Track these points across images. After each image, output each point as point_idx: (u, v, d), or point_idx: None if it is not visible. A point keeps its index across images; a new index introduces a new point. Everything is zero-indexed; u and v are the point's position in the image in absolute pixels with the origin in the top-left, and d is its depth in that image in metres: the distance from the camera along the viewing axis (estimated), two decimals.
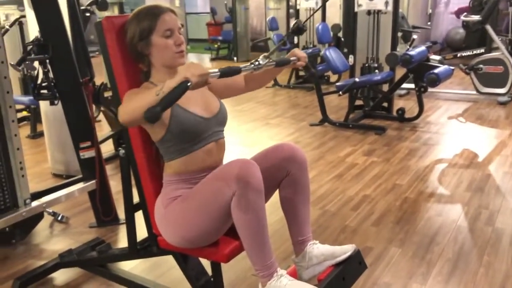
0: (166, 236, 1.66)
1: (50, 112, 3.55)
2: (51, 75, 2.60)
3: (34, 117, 4.82)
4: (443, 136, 4.61)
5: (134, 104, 1.43)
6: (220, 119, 1.69)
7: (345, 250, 1.63)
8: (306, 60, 1.77)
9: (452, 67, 4.71)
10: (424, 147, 4.27)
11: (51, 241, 2.78)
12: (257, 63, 1.62)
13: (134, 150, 1.71)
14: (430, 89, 6.14)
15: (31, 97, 4.78)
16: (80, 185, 2.78)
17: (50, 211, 2.94)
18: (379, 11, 5.17)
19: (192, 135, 1.60)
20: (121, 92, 1.67)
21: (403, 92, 6.38)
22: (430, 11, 9.63)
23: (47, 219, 2.95)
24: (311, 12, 7.77)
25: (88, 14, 4.55)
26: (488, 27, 6.06)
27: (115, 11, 6.76)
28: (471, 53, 7.87)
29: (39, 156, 4.24)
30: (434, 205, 3.09)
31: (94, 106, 3.58)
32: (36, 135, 4.83)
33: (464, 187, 3.35)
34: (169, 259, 1.84)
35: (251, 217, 1.44)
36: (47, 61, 2.55)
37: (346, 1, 8.46)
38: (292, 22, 8.94)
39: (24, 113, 5.29)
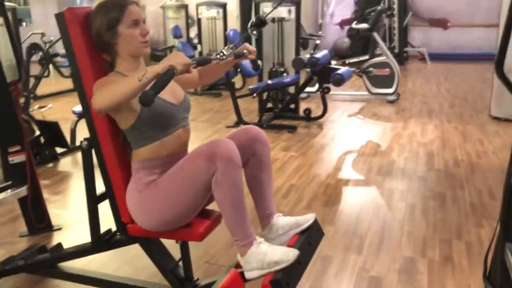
0: (141, 221, 1.70)
1: None
2: None
3: None
4: (347, 131, 5.06)
5: (114, 90, 1.48)
6: (186, 106, 1.79)
7: (308, 218, 1.81)
8: (255, 54, 1.96)
9: (352, 69, 5.21)
10: (333, 142, 4.67)
11: None
12: (221, 53, 1.77)
13: (100, 140, 1.73)
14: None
15: None
16: (9, 192, 2.64)
17: None
18: (282, 19, 5.53)
19: (163, 121, 1.67)
20: (86, 82, 1.69)
21: (304, 95, 6.84)
22: (320, 21, 10.38)
23: None
24: (213, 22, 8.00)
25: None
26: (375, 34, 6.76)
27: None
28: (357, 59, 8.70)
29: None
30: (353, 188, 3.44)
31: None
32: None
33: (375, 172, 3.75)
34: (122, 253, 1.87)
35: (233, 192, 1.55)
36: None
37: (243, 12, 8.88)
38: (192, 31, 9.12)
39: None
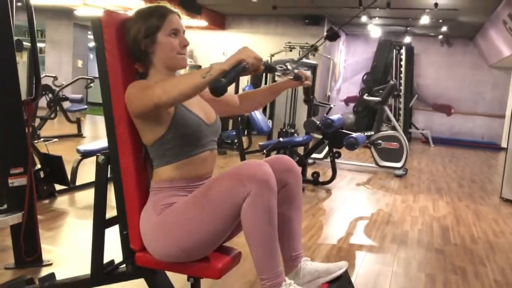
0: (154, 248, 1.50)
1: None
2: None
3: None
4: (357, 198, 4.89)
5: (176, 84, 1.36)
6: (216, 129, 1.65)
7: (340, 266, 1.61)
8: (310, 80, 1.85)
9: (364, 135, 5.14)
10: (342, 206, 4.48)
11: None
12: (285, 67, 1.67)
13: (119, 152, 1.57)
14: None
15: None
16: (3, 216, 2.42)
17: None
18: None
19: (193, 138, 1.53)
20: (113, 88, 1.56)
21: (310, 161, 6.73)
22: (329, 93, 10.54)
23: None
24: None
25: None
26: (386, 107, 6.78)
27: (24, 57, 6.36)
28: (362, 134, 8.70)
29: None
30: (367, 254, 3.21)
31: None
32: None
33: (389, 240, 3.54)
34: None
35: (265, 219, 1.37)
36: None
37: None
38: None
39: None
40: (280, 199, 1.64)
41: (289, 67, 1.69)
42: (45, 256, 2.65)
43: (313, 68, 5.50)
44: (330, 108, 5.27)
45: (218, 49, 10.82)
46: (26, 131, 2.46)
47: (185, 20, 9.29)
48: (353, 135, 4.68)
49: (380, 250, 3.32)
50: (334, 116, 4.91)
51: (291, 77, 1.76)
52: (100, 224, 1.64)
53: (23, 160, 2.46)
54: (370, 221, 4.05)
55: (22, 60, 6.40)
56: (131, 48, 1.56)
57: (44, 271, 2.53)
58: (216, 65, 1.34)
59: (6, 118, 2.41)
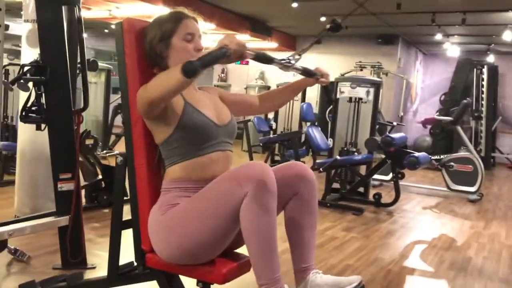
0: (160, 249, 1.51)
1: (27, 150, 3.39)
2: (43, 99, 2.52)
3: (4, 165, 4.60)
4: (419, 222, 4.61)
5: (160, 80, 1.40)
6: (229, 130, 1.64)
7: (352, 281, 1.50)
8: (329, 79, 1.78)
9: (430, 156, 4.86)
10: (402, 229, 4.24)
11: (8, 279, 2.50)
12: (287, 60, 1.62)
13: (134, 153, 1.61)
14: (403, 183, 6.30)
15: (5, 143, 4.63)
16: (51, 218, 2.57)
17: (12, 247, 2.68)
18: (360, 99, 5.40)
19: (201, 137, 1.53)
20: (131, 93, 1.61)
21: (376, 183, 6.47)
22: (401, 114, 10.17)
23: (5, 258, 2.68)
24: (291, 102, 8.09)
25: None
26: (459, 128, 6.38)
27: (102, 77, 6.84)
28: (438, 157, 8.24)
29: (4, 202, 3.97)
30: (419, 278, 3.00)
31: None
32: (2, 183, 4.56)
33: (447, 266, 3.28)
34: None
35: (263, 221, 1.33)
36: (42, 84, 2.48)
37: (323, 98, 8.94)
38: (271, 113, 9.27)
39: None
40: (292, 206, 1.59)
41: (291, 60, 1.63)
42: (92, 260, 2.77)
43: (376, 86, 5.33)
44: (393, 126, 5.05)
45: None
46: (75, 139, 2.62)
47: (256, 42, 9.51)
48: (414, 154, 4.44)
49: (434, 275, 3.09)
50: (396, 134, 4.70)
51: (299, 72, 1.70)
52: (117, 225, 1.69)
53: (71, 166, 2.61)
54: (429, 245, 3.79)
55: (100, 81, 6.88)
56: (148, 52, 1.61)
57: (88, 273, 2.65)
58: (202, 55, 1.35)
59: (58, 127, 2.58)
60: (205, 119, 1.55)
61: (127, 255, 1.79)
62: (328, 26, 1.76)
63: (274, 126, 7.89)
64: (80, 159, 4.03)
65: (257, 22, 9.14)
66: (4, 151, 4.57)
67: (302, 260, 1.56)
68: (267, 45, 9.96)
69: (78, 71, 4.99)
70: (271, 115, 9.07)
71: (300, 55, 1.65)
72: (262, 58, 1.52)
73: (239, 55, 1.37)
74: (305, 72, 1.73)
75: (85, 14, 7.48)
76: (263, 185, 1.33)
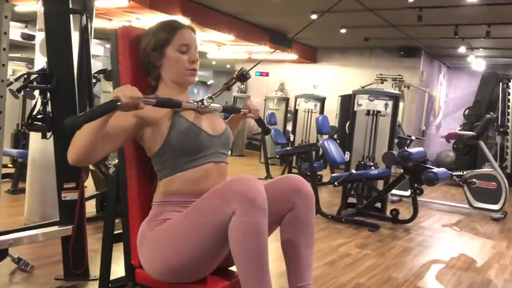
0: (147, 264, 1.44)
1: (38, 158, 3.40)
2: (49, 107, 2.51)
3: (18, 172, 4.63)
4: (438, 240, 4.44)
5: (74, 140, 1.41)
6: (224, 140, 1.57)
7: None
8: (258, 114, 1.75)
9: (450, 172, 4.70)
10: (419, 247, 4.09)
11: None
12: (200, 102, 1.55)
13: (126, 167, 1.56)
14: (423, 199, 6.12)
15: (20, 150, 4.67)
16: (55, 228, 2.54)
17: (15, 256, 2.66)
18: (378, 112, 5.28)
19: (192, 148, 1.47)
20: None
21: (395, 198, 6.31)
22: (423, 127, 9.95)
23: (9, 267, 2.66)
24: (309, 114, 8.01)
25: (94, 81, 4.62)
26: (481, 143, 6.18)
27: None
28: (461, 173, 8.00)
29: (15, 209, 3.98)
30: None
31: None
32: (16, 190, 4.59)
33: (464, 287, 3.12)
34: None
35: (252, 241, 1.25)
36: (48, 92, 2.47)
37: (343, 111, 8.81)
38: (289, 125, 9.19)
39: (8, 167, 5.10)
40: (286, 223, 1.51)
41: (205, 102, 1.56)
42: (96, 271, 2.72)
43: (394, 98, 5.20)
44: (412, 140, 4.91)
45: (309, 82, 10.81)
46: None
47: (277, 54, 9.47)
48: (433, 170, 4.29)
49: None
50: (414, 149, 4.56)
51: (220, 111, 1.65)
52: (108, 239, 1.64)
53: (76, 175, 2.58)
54: (447, 265, 3.63)
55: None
56: (141, 60, 1.57)
57: (90, 285, 2.61)
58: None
59: (64, 135, 2.56)
60: (196, 129, 1.49)
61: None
62: (235, 74, 1.71)
63: (292, 138, 7.81)
64: (92, 168, 4.04)
65: (276, 33, 9.12)
66: (19, 159, 4.61)
67: (298, 279, 1.47)
68: (287, 57, 9.92)
69: (95, 80, 5.03)
70: (289, 127, 9.00)
71: (212, 98, 1.58)
72: (166, 103, 1.43)
73: (133, 107, 1.30)
74: (227, 109, 1.70)
75: (106, 24, 7.59)
76: (252, 202, 1.25)
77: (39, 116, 2.51)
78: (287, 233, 1.50)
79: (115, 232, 1.66)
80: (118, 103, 1.27)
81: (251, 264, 1.26)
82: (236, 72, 1.70)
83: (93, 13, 3.28)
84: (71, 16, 2.52)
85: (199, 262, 1.36)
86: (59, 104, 2.52)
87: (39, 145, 3.36)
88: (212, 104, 1.59)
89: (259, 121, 1.83)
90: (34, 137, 3.37)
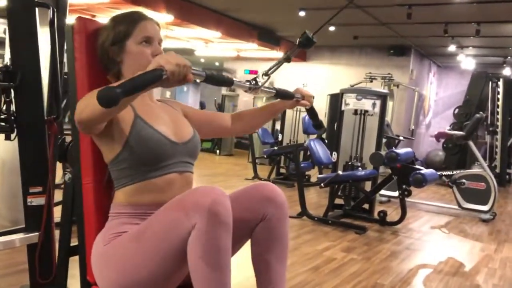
0: (101, 282, 1.30)
1: (8, 160, 3.21)
2: (13, 106, 2.35)
3: None
4: (426, 243, 4.34)
5: (85, 102, 1.19)
6: (190, 148, 1.43)
7: None
8: (312, 101, 1.57)
9: (438, 173, 4.60)
10: (406, 251, 3.98)
11: None
12: (254, 82, 1.39)
13: (82, 172, 1.42)
14: (412, 200, 6.03)
15: None
16: (20, 235, 2.39)
17: None
18: (365, 112, 5.17)
19: (153, 157, 1.32)
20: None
21: (384, 199, 6.22)
22: (412, 127, 9.88)
23: None
24: (298, 114, 7.88)
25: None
26: (471, 143, 6.10)
27: None
28: (450, 172, 7.93)
29: None
30: None
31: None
32: None
33: None
34: None
35: (211, 260, 1.12)
36: (12, 90, 2.31)
37: (332, 111, 8.70)
38: (278, 122, 9.05)
39: None
40: (257, 235, 1.38)
41: (259, 81, 1.41)
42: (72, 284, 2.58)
43: (382, 98, 5.09)
44: (399, 141, 4.80)
45: (299, 81, 10.66)
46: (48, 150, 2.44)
47: (265, 52, 9.33)
48: (421, 171, 4.18)
49: None
50: (402, 149, 4.45)
51: (272, 94, 1.48)
52: (63, 252, 1.49)
53: (42, 179, 2.43)
54: (435, 270, 3.52)
55: None
56: (99, 56, 1.42)
57: None
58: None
59: (29, 137, 2.41)
60: (158, 136, 1.34)
61: None
62: (298, 40, 1.52)
63: (280, 138, 7.68)
64: (68, 169, 3.87)
65: (264, 31, 8.98)
66: None
67: None
68: (275, 54, 9.78)
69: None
70: (278, 126, 8.87)
71: (268, 75, 1.42)
72: (217, 80, 1.23)
73: (181, 78, 1.11)
74: (280, 94, 1.51)
75: None
76: (214, 215, 1.12)
77: (2, 116, 2.35)
78: (258, 246, 1.36)
79: (71, 245, 1.52)
80: (163, 72, 1.06)
81: (210, 284, 1.13)
82: (299, 38, 1.50)
83: (66, 7, 3.11)
84: (36, 9, 2.36)
85: (156, 282, 1.22)
86: (23, 104, 2.36)
87: (8, 146, 3.18)
88: (265, 86, 1.40)
89: (311, 110, 1.60)
90: (3, 138, 3.20)
